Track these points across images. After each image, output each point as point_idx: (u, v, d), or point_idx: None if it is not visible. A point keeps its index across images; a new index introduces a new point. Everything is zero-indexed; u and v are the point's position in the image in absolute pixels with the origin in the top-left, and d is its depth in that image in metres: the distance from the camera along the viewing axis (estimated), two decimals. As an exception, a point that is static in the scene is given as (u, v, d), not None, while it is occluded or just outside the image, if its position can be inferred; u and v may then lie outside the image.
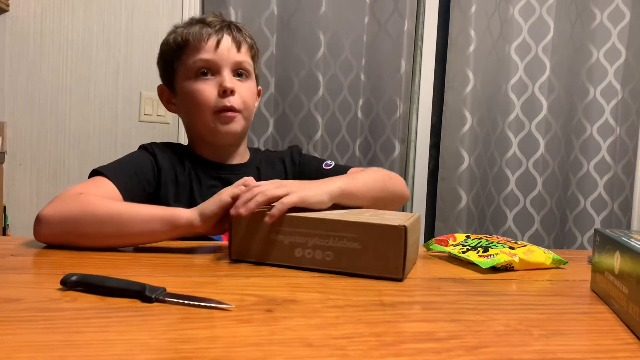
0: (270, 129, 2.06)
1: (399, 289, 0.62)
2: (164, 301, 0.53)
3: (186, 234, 0.81)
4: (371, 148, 2.10)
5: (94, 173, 0.92)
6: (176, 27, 1.06)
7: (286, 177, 1.10)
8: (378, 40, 2.08)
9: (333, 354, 0.42)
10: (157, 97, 1.11)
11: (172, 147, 1.06)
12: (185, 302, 0.52)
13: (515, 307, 0.58)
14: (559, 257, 0.80)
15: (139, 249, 0.79)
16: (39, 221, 0.78)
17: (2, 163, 2.06)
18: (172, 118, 2.07)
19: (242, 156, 1.10)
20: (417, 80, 2.14)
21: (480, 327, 0.50)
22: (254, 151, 1.15)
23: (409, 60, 2.08)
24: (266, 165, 1.12)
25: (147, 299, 0.52)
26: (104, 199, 0.82)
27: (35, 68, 2.08)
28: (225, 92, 0.98)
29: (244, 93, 1.02)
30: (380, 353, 0.42)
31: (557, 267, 0.80)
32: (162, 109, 2.00)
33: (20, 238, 0.83)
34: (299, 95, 2.02)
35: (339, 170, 1.05)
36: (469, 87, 2.08)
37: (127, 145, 2.10)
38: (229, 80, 0.99)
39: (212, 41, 1.00)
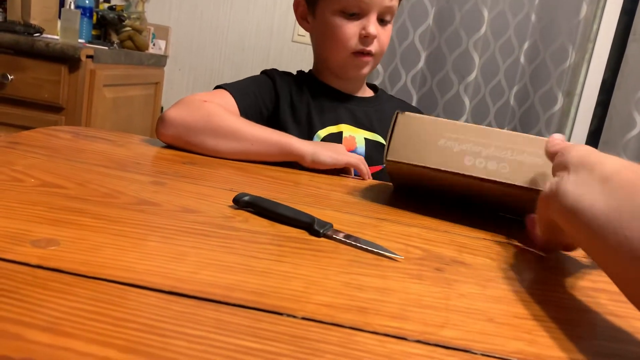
0: (421, 64, 1.96)
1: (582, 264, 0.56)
2: (331, 238, 0.51)
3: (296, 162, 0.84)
4: (529, 97, 1.93)
5: (217, 88, 0.95)
6: None
7: None
8: (559, -23, 1.85)
9: (519, 337, 0.38)
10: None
11: (292, 75, 1.08)
12: (354, 243, 0.50)
13: None
14: None
15: (300, 175, 0.79)
16: (162, 121, 0.81)
17: (164, 66, 2.19)
18: (323, 41, 2.05)
19: (364, 91, 1.11)
20: (595, 27, 1.90)
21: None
22: (382, 92, 1.16)
23: (592, 4, 1.84)
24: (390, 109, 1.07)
25: (315, 233, 0.52)
26: (227, 112, 0.84)
27: (201, -24, 2.14)
28: (366, 37, 0.97)
29: (383, 39, 1.01)
30: (572, 346, 0.37)
31: None
32: (315, 31, 1.97)
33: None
34: (458, 31, 1.89)
35: None
36: (660, 42, 1.80)
37: (278, 63, 2.12)
38: (374, 27, 0.97)
39: None
